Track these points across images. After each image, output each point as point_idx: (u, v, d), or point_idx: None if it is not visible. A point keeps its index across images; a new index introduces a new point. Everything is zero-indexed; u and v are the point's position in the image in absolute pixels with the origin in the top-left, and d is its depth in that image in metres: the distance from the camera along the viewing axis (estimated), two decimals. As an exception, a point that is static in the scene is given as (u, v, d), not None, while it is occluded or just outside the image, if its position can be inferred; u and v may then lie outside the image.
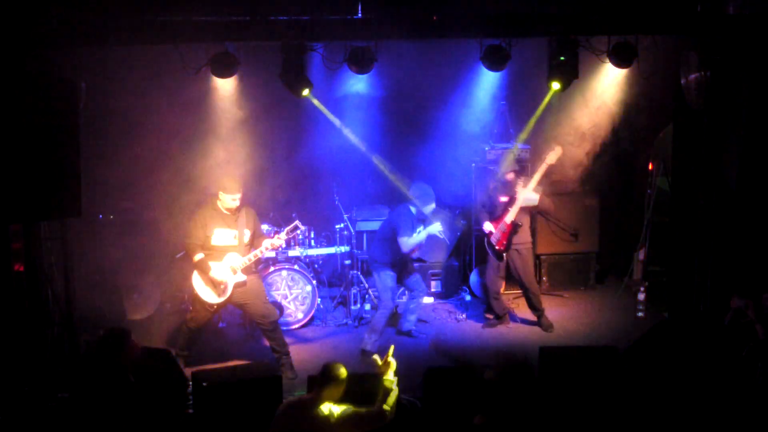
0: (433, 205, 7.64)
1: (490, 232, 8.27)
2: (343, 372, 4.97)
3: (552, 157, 7.99)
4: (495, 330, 8.50)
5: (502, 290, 8.65)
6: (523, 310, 8.82)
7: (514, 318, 8.76)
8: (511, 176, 8.22)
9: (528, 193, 8.09)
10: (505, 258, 8.32)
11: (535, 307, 8.46)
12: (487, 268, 8.54)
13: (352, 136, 8.86)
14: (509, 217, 8.16)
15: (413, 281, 8.08)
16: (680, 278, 8.15)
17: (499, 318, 8.60)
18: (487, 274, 8.57)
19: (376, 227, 8.47)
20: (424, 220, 7.73)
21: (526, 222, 8.30)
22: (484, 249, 9.48)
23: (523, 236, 8.30)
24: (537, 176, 8.06)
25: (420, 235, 7.64)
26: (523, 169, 8.99)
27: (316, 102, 8.14)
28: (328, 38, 7.02)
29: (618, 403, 5.90)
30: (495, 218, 8.27)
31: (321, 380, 4.95)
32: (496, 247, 8.27)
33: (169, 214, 8.82)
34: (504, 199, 8.24)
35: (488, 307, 8.79)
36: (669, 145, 8.61)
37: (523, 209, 8.15)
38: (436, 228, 7.67)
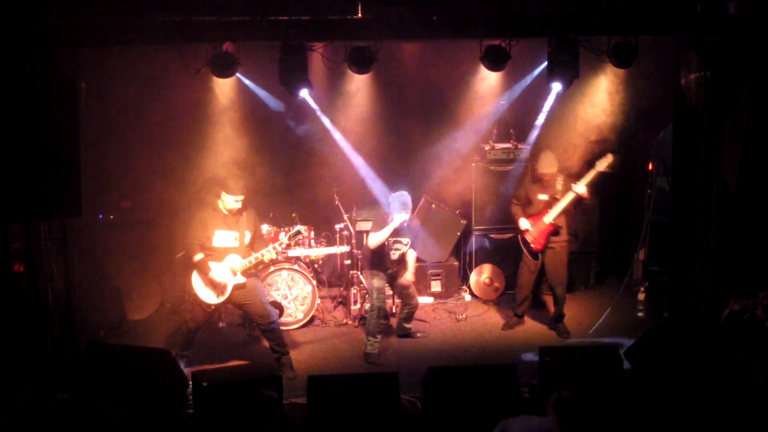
0: (404, 215, 7.49)
1: (526, 230, 7.99)
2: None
3: (603, 164, 7.81)
4: (495, 330, 8.49)
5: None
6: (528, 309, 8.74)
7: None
8: (553, 173, 7.92)
9: (579, 188, 7.79)
10: (540, 258, 8.06)
11: (559, 312, 8.26)
12: (521, 267, 8.27)
13: (349, 141, 8.87)
14: (549, 217, 7.92)
15: (404, 292, 8.03)
16: (680, 278, 8.15)
17: (520, 317, 8.45)
18: (521, 273, 8.28)
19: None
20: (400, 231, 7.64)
21: (563, 221, 8.02)
22: (484, 249, 9.49)
23: (561, 233, 8.05)
24: (589, 176, 7.80)
25: (384, 231, 7.51)
26: (524, 168, 8.98)
27: (314, 103, 8.14)
28: (328, 38, 7.01)
29: (618, 404, 5.90)
30: (530, 215, 8.03)
31: None
32: (532, 246, 8.01)
33: (169, 214, 8.82)
34: (543, 197, 8.01)
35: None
36: (669, 145, 8.61)
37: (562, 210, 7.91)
38: (400, 218, 7.45)
